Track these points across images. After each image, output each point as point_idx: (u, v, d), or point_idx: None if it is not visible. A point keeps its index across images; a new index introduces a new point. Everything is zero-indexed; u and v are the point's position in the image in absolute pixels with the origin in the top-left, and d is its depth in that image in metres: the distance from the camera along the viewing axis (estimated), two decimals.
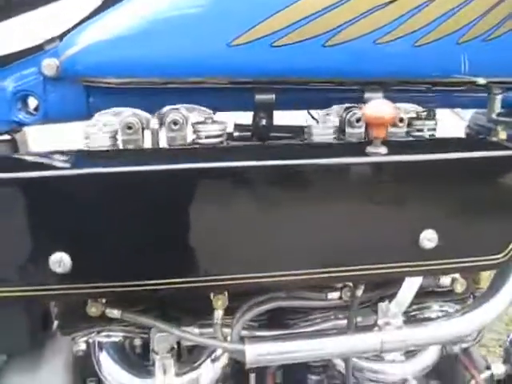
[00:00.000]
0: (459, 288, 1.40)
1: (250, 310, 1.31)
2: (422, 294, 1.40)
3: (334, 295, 1.33)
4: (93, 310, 1.27)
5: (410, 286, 1.30)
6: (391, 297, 1.33)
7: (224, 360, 1.42)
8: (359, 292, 1.31)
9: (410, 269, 1.20)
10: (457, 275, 1.40)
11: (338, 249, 1.18)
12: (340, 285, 1.34)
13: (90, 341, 1.42)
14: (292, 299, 1.33)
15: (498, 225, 1.21)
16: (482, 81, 1.21)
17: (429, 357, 1.47)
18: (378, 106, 1.10)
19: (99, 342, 1.42)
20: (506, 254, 1.21)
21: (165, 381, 1.38)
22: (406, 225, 1.17)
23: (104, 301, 1.28)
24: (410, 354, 1.47)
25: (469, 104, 1.42)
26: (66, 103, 1.23)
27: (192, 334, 1.28)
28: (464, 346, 1.60)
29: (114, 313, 1.28)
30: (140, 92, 1.20)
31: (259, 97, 1.22)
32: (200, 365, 1.41)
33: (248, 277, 1.15)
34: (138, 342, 1.45)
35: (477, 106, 1.43)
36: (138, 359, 1.45)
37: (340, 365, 1.47)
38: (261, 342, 1.27)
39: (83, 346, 1.43)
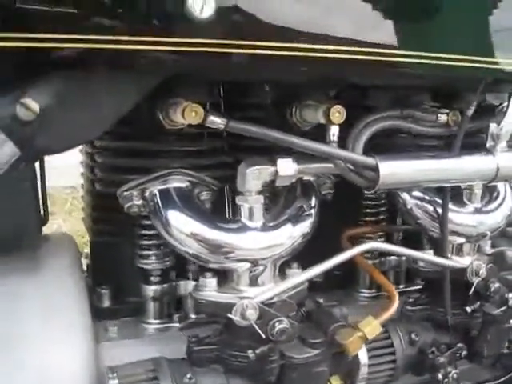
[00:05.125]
0: None
1: (365, 128, 1.11)
2: None
3: (443, 118, 1.18)
4: (192, 114, 0.97)
5: None
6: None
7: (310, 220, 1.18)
8: (470, 111, 1.18)
9: None
10: None
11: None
12: (445, 111, 1.20)
13: (147, 194, 1.10)
14: (404, 120, 1.16)
15: None
16: None
17: (506, 208, 1.37)
18: None
19: (161, 192, 1.10)
20: None
21: (249, 233, 1.10)
22: None
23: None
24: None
25: None
26: None
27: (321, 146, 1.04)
28: None
29: (218, 121, 0.99)
30: None
31: None
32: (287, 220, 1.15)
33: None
34: (205, 195, 1.16)
35: None
36: (209, 210, 1.15)
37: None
38: (392, 159, 1.08)
39: (138, 200, 1.10)
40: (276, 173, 1.09)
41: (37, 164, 1.20)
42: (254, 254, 1.10)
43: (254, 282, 1.12)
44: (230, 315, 1.04)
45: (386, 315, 1.13)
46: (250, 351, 1.07)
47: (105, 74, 0.89)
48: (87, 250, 1.49)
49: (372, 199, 1.43)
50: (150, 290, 1.25)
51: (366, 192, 1.41)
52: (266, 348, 1.08)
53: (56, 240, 1.32)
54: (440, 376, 1.26)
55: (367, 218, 1.43)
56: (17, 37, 0.78)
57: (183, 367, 1.11)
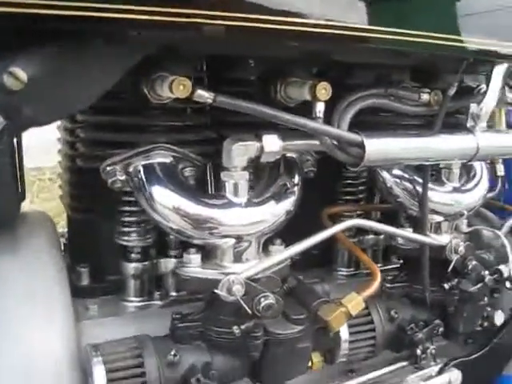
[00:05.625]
0: None
1: (350, 105, 1.11)
2: None
3: (425, 97, 1.20)
4: (180, 88, 0.96)
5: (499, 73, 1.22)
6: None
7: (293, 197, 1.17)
8: (452, 91, 1.19)
9: None
10: None
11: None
12: (427, 90, 1.22)
13: (130, 169, 1.09)
14: (387, 98, 1.17)
15: None
16: None
17: (482, 188, 1.40)
18: None
19: (146, 167, 1.09)
20: None
21: (234, 209, 1.10)
22: None
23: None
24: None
25: None
26: None
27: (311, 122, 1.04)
28: None
29: (205, 95, 0.98)
30: None
31: None
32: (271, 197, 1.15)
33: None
34: (189, 171, 1.15)
35: None
36: (193, 186, 1.14)
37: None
38: (378, 136, 1.09)
39: (122, 175, 1.09)
40: (261, 149, 1.09)
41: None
42: (239, 230, 1.10)
43: (238, 258, 1.12)
44: (216, 290, 1.03)
45: (369, 291, 1.15)
46: (235, 327, 1.07)
47: (93, 44, 0.87)
48: (61, 229, 1.48)
49: (351, 178, 1.44)
50: (131, 267, 1.24)
51: (344, 171, 1.42)
52: (251, 324, 1.08)
53: (33, 218, 1.30)
54: (418, 351, 1.28)
55: (347, 197, 1.44)
56: (4, 1, 0.76)
57: (167, 344, 1.10)
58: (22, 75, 0.82)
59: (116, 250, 1.25)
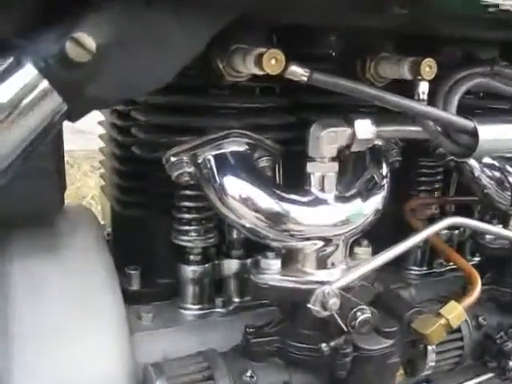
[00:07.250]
0: None
1: (455, 86, 0.95)
2: None
3: None
4: (272, 62, 0.79)
5: None
6: None
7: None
8: None
9: None
10: None
11: None
12: None
13: (200, 160, 0.92)
14: (492, 77, 1.01)
15: None
16: None
17: None
18: None
19: (217, 157, 0.92)
20: None
21: (322, 206, 0.94)
22: None
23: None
24: None
25: None
26: None
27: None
28: None
29: (299, 72, 0.81)
30: None
31: None
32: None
33: None
34: (266, 161, 0.98)
35: None
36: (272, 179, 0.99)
37: None
38: (489, 123, 0.93)
39: (190, 167, 0.92)
40: (353, 136, 0.93)
41: None
42: (326, 231, 0.95)
43: (322, 263, 0.97)
44: (309, 305, 0.88)
45: (470, 300, 0.99)
46: (323, 344, 0.92)
47: (175, 3, 0.70)
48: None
49: (427, 167, 1.28)
50: (189, 270, 1.08)
51: (421, 160, 1.27)
52: (341, 340, 0.93)
53: (75, 213, 1.13)
54: (511, 364, 1.14)
55: (422, 188, 1.29)
56: None
57: (241, 363, 0.96)
58: (90, 43, 0.63)
59: (171, 250, 1.09)
